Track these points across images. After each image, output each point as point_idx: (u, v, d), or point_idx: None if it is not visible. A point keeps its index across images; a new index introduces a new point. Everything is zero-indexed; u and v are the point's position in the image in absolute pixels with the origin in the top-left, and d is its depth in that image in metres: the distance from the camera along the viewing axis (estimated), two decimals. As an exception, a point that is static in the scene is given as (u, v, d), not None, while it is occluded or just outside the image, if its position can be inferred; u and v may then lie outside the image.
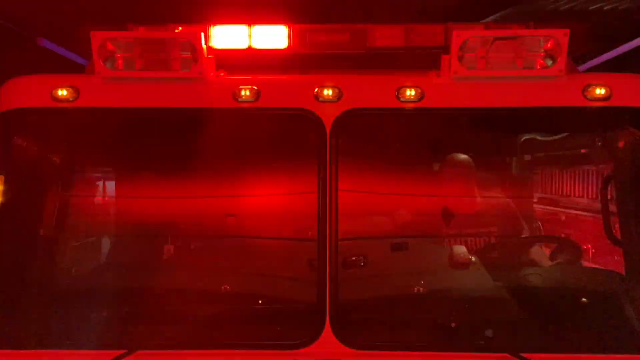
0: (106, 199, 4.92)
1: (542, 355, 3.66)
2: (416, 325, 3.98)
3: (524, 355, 3.63)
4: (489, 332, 3.89)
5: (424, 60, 4.24)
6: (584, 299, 4.12)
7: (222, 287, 4.17)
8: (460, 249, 4.69)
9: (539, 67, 3.95)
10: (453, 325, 3.85)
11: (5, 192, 4.02)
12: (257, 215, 4.49)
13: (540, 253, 5.27)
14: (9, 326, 3.89)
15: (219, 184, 4.55)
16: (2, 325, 3.87)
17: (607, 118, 4.09)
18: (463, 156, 5.19)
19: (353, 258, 4.01)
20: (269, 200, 4.48)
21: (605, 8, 8.95)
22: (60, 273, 4.40)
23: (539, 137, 5.14)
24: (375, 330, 3.97)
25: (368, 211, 4.42)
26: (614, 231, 4.25)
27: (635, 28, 9.80)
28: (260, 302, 4.10)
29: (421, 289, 4.19)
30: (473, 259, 4.73)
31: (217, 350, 3.80)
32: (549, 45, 3.90)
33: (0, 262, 4.00)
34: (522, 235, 5.64)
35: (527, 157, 6.08)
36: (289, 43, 4.39)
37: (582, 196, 6.37)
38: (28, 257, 4.22)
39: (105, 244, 4.93)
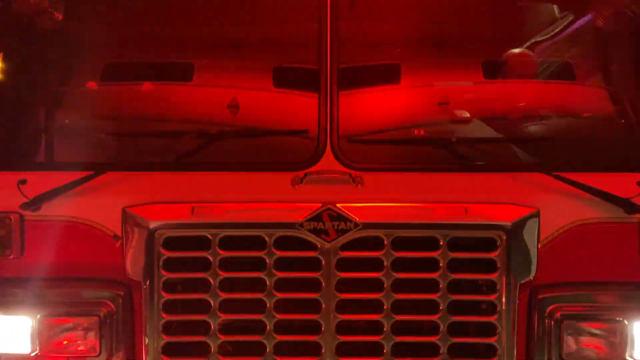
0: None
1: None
2: (425, 147, 4.04)
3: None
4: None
5: None
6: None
7: (218, 114, 4.24)
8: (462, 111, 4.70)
9: None
10: (453, 140, 3.88)
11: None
12: (257, 42, 4.48)
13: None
14: None
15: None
16: None
17: None
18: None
19: None
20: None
21: None
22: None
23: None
24: (378, 152, 4.03)
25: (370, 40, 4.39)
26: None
27: None
28: (261, 128, 4.16)
29: (425, 122, 4.27)
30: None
31: (214, 172, 3.88)
32: None
33: None
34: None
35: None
36: None
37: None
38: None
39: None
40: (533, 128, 4.27)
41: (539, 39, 4.77)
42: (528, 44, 4.70)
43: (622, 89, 4.26)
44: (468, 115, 4.49)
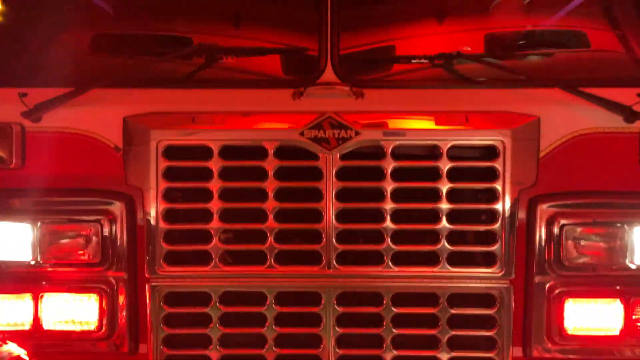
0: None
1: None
2: (426, 64, 3.96)
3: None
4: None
5: None
6: None
7: (220, 32, 4.25)
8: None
9: None
10: (454, 54, 3.87)
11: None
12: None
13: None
14: None
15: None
16: None
17: None
18: None
19: None
20: None
21: None
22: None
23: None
24: (379, 69, 4.07)
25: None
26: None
27: None
28: (262, 47, 4.16)
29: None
30: None
31: (215, 89, 3.89)
32: None
33: None
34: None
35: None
36: None
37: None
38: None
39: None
40: (535, 48, 4.26)
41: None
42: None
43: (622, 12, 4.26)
44: (469, 49, 4.48)
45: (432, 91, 3.88)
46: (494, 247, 3.69)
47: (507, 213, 3.67)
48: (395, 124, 3.72)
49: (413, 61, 4.04)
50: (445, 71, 3.97)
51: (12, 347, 3.07)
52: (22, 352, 3.09)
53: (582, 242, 3.66)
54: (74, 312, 3.76)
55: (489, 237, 3.72)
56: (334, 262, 3.71)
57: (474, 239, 3.79)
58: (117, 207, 3.76)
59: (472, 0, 4.56)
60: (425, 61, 3.99)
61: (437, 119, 3.71)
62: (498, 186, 3.67)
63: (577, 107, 3.74)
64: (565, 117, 3.75)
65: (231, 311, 3.76)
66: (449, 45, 4.18)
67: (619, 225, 3.64)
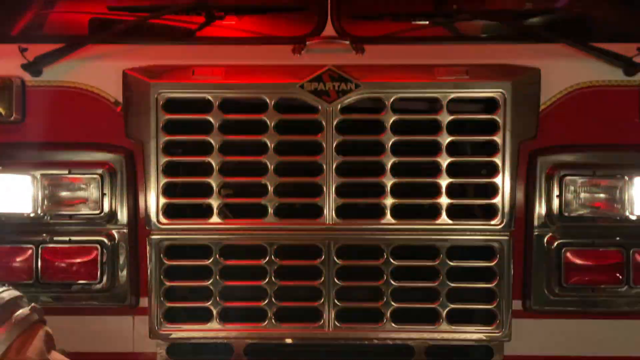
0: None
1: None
2: (429, 20, 4.02)
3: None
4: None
5: None
6: None
7: None
8: None
9: None
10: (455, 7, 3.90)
11: None
12: None
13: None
14: None
15: None
16: None
17: None
18: None
19: None
20: None
21: None
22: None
23: None
24: (380, 26, 4.09)
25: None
26: None
27: None
28: (262, 5, 4.17)
29: None
30: None
31: (215, 45, 3.92)
32: None
33: None
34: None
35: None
36: None
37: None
38: None
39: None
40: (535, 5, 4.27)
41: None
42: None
43: None
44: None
45: (433, 47, 3.89)
46: (494, 200, 3.68)
47: (507, 165, 3.66)
48: (396, 76, 3.71)
49: (414, 19, 4.06)
50: (446, 28, 4.00)
51: (12, 290, 3.06)
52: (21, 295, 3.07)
53: (582, 194, 3.67)
54: (75, 265, 3.76)
55: (489, 190, 3.71)
56: (334, 216, 3.71)
57: (474, 192, 3.80)
58: (117, 160, 3.76)
59: None
60: (427, 19, 4.01)
61: (437, 72, 3.70)
62: (498, 139, 3.66)
63: (577, 60, 3.75)
64: (565, 70, 3.75)
65: (231, 264, 3.77)
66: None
67: (618, 176, 3.65)
